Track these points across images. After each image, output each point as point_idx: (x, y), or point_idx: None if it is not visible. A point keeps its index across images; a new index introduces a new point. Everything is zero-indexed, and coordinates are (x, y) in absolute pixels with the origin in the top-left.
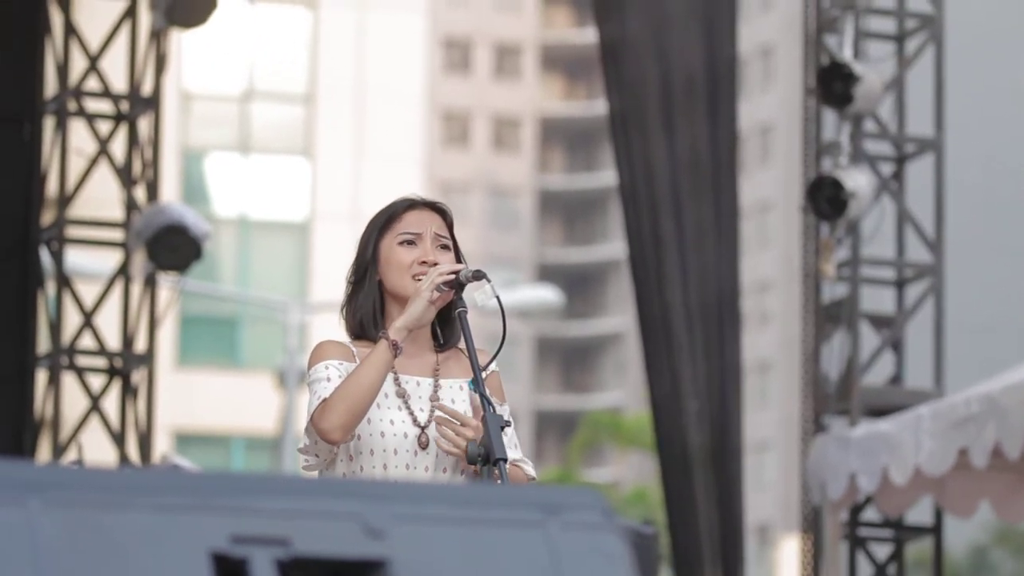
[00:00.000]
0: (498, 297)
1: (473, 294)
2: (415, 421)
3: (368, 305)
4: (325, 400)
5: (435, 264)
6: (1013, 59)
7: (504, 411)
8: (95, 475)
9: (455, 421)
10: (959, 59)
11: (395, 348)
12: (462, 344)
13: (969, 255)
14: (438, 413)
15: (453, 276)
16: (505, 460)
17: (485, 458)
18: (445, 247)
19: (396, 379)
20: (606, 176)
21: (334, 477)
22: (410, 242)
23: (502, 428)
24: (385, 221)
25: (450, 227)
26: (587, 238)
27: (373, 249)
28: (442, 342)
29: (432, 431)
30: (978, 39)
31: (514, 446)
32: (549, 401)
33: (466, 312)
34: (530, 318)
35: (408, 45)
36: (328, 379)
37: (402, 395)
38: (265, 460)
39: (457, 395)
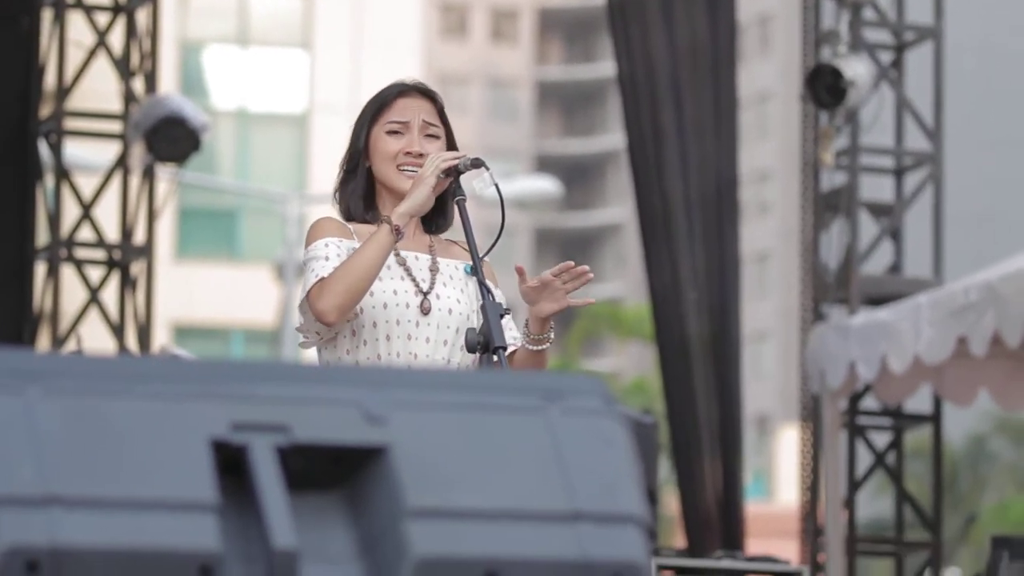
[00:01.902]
0: (497, 185)
1: (472, 182)
2: (418, 289)
3: (359, 192)
4: (323, 279)
5: (420, 155)
6: None
7: (499, 296)
8: (95, 363)
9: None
10: None
11: (397, 232)
12: (450, 235)
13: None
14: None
15: (455, 162)
16: (504, 348)
17: (484, 346)
18: (433, 136)
19: (396, 252)
20: (605, 67)
21: (334, 363)
22: (397, 131)
23: (501, 316)
24: (376, 109)
25: (441, 113)
26: (585, 129)
27: (364, 137)
28: (435, 228)
29: (433, 298)
30: None
31: (512, 328)
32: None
33: (465, 200)
34: (528, 209)
35: None
36: (327, 258)
37: (403, 263)
38: (264, 352)
39: (455, 273)
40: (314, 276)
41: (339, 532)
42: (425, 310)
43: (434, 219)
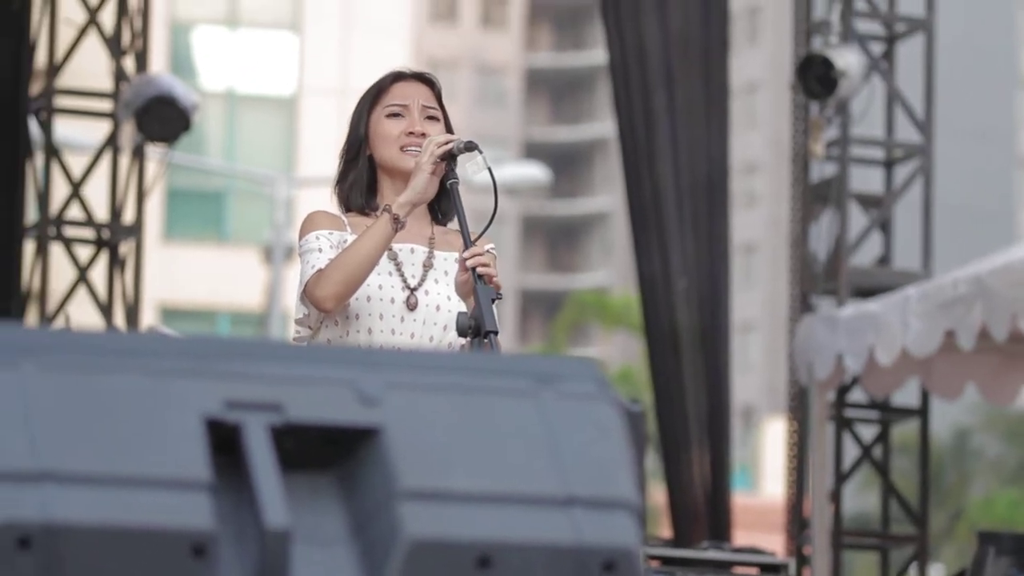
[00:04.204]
0: (490, 169)
1: (465, 166)
2: (405, 284)
3: (361, 180)
4: (320, 269)
5: (423, 135)
6: None
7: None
8: (88, 339)
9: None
10: None
11: (397, 223)
12: (455, 223)
13: (957, 137)
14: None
15: (449, 146)
16: (496, 332)
17: (476, 330)
18: (433, 118)
19: (389, 248)
20: (594, 55)
21: (323, 344)
22: (398, 114)
23: (493, 301)
24: (374, 95)
25: (438, 98)
26: (574, 117)
27: (364, 124)
28: (440, 216)
29: (421, 293)
30: None
31: None
32: (535, 280)
33: (457, 183)
34: (517, 196)
35: None
36: (320, 250)
37: (394, 259)
38: (251, 335)
39: (452, 267)
40: (311, 268)
41: (332, 513)
42: (411, 306)
43: (440, 206)
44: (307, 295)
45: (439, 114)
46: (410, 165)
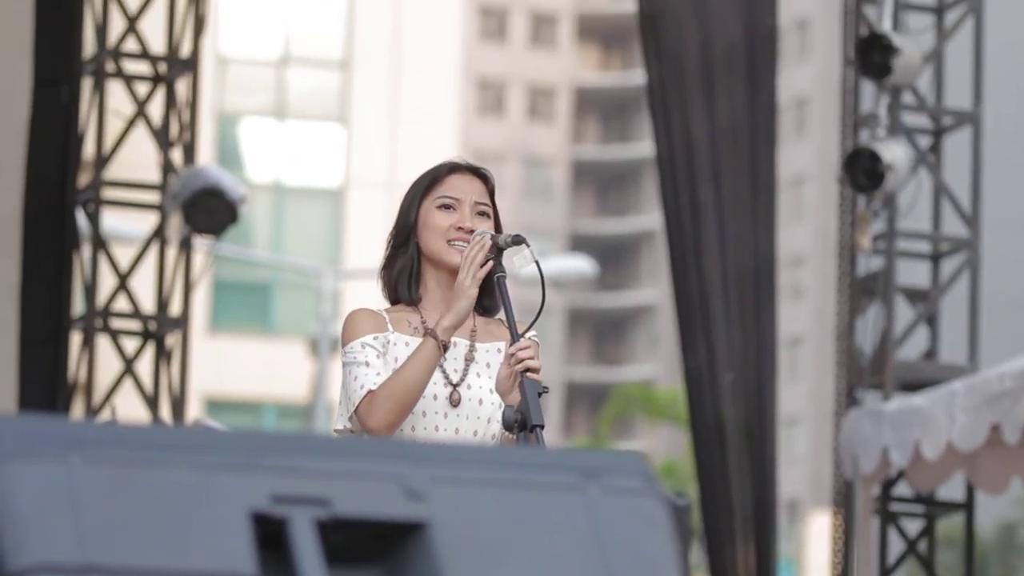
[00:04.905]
0: (537, 262)
1: (512, 259)
2: (447, 380)
3: (406, 268)
4: (372, 393)
5: (471, 231)
6: None
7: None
8: (135, 432)
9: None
10: (998, 31)
11: (443, 348)
12: (500, 314)
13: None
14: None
15: (488, 265)
16: (542, 426)
17: (522, 424)
18: (484, 214)
19: None
20: (640, 147)
21: (372, 438)
22: (449, 206)
23: (539, 394)
24: (427, 184)
25: (491, 194)
26: (620, 209)
27: (415, 212)
28: (483, 309)
29: (464, 388)
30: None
31: None
32: (580, 373)
33: (505, 277)
34: (562, 289)
35: (444, 11)
36: (367, 363)
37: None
38: (296, 427)
39: (494, 358)
40: (359, 387)
41: None
42: (454, 402)
43: (481, 300)
44: (359, 419)
45: (490, 211)
46: (455, 260)
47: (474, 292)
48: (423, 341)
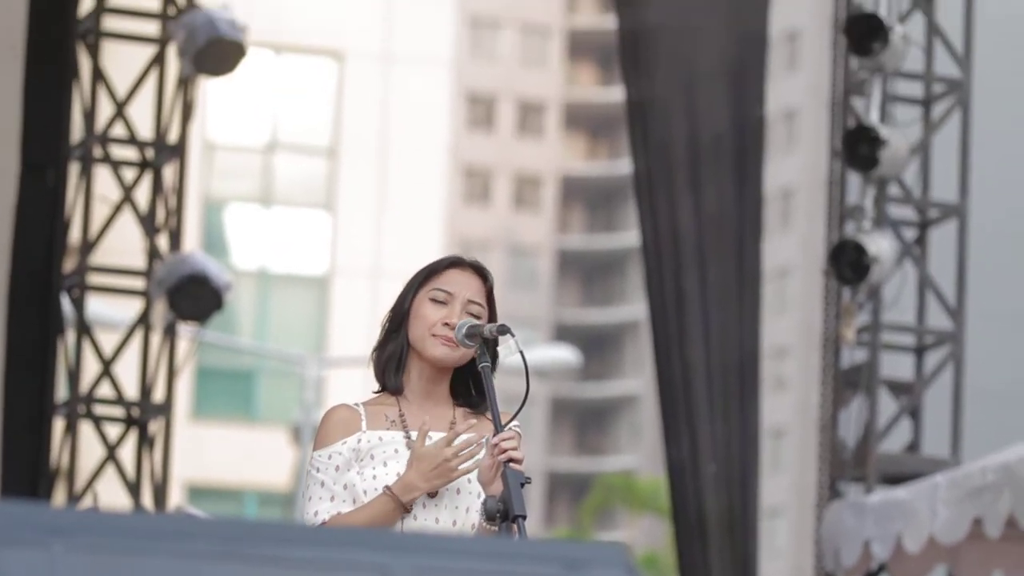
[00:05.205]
0: (522, 352)
1: (496, 349)
2: None
3: (394, 355)
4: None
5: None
6: None
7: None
8: (118, 520)
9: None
10: (985, 124)
11: (403, 511)
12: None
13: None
14: (459, 439)
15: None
16: (524, 517)
17: (504, 514)
18: (475, 314)
19: (407, 436)
20: (625, 237)
21: (356, 527)
22: (442, 301)
23: (522, 485)
24: (426, 275)
25: (489, 292)
26: (605, 299)
27: (410, 300)
28: (465, 399)
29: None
30: (1005, 104)
31: None
32: (562, 463)
33: (488, 367)
34: (546, 378)
35: (432, 100)
36: (323, 483)
37: (412, 446)
38: (278, 515)
39: (472, 450)
40: (312, 512)
41: None
42: (431, 493)
43: (461, 391)
44: None
45: (483, 312)
46: (435, 353)
47: (456, 476)
48: (382, 498)
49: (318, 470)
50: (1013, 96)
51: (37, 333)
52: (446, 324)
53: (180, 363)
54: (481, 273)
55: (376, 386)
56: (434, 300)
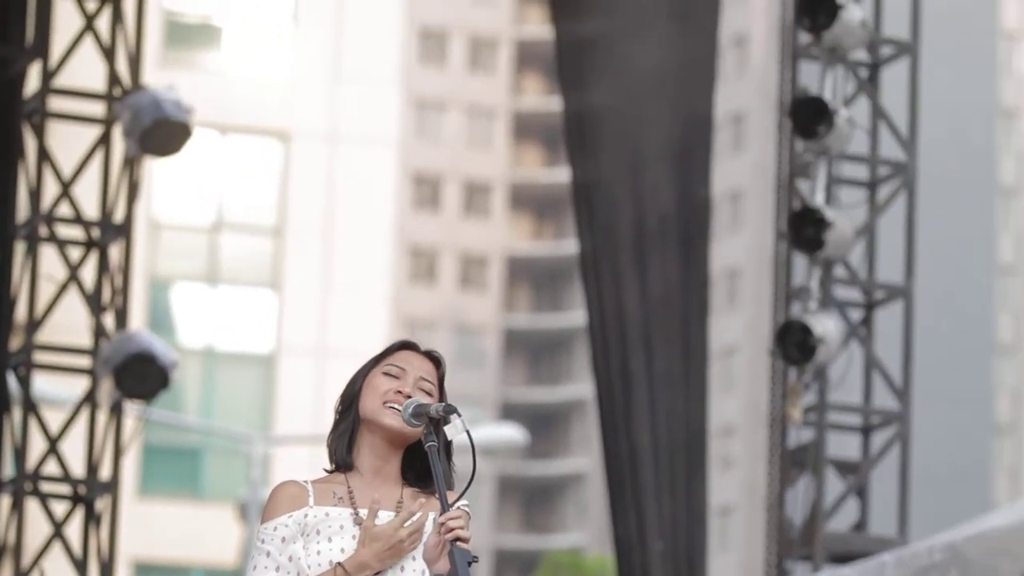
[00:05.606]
0: (468, 432)
1: (443, 428)
2: None
3: (345, 432)
4: None
5: (409, 396)
6: (980, 208)
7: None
8: None
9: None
10: (930, 206)
11: None
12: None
13: (936, 402)
14: (411, 520)
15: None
16: None
17: None
18: (426, 391)
19: (355, 513)
20: (571, 316)
21: None
22: (393, 375)
23: (469, 564)
24: (378, 357)
25: (440, 379)
26: (551, 378)
27: (361, 380)
28: (412, 478)
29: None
30: (949, 186)
31: None
32: (510, 540)
33: (436, 446)
34: (493, 456)
35: (378, 180)
36: (268, 554)
37: (359, 523)
38: None
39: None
40: None
41: None
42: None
43: (413, 467)
44: None
45: (435, 390)
46: (387, 421)
47: (407, 552)
48: (332, 572)
49: (263, 541)
50: (958, 177)
51: None
52: (398, 392)
53: (127, 441)
54: (434, 359)
55: (328, 465)
56: (387, 374)
